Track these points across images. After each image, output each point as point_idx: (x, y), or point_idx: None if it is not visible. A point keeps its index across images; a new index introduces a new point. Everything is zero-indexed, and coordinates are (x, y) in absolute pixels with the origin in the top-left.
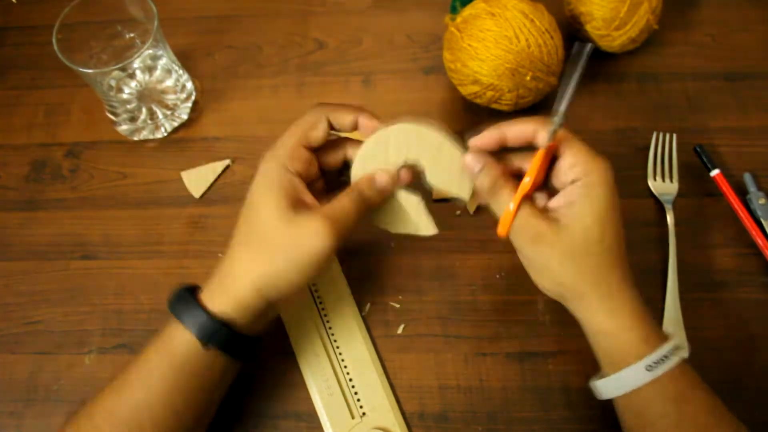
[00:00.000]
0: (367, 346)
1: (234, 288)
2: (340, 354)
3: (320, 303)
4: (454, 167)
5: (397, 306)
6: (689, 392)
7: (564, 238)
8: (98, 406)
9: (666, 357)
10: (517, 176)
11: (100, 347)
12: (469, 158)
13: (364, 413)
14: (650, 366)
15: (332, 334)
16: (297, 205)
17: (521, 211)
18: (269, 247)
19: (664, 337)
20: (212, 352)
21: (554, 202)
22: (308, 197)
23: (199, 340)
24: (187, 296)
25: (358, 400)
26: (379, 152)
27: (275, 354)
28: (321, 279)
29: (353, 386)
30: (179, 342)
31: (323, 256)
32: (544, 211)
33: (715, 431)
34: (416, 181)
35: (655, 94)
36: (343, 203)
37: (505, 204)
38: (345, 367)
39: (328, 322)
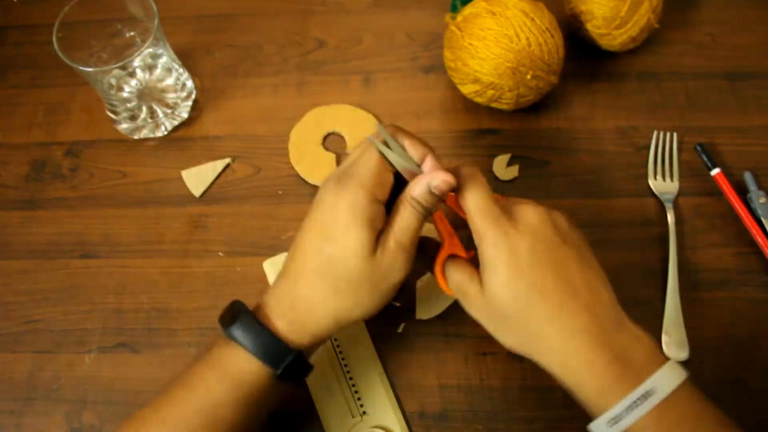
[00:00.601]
0: (368, 346)
1: (315, 324)
2: (341, 353)
3: None
4: None
5: (398, 305)
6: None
7: (486, 302)
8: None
9: (631, 407)
10: None
11: (100, 346)
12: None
13: (364, 412)
14: (611, 421)
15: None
16: (378, 235)
17: (453, 275)
18: (355, 286)
19: (636, 381)
20: (282, 383)
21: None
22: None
23: (279, 376)
24: (263, 330)
25: (359, 399)
26: None
27: None
28: None
29: (353, 385)
30: (248, 372)
31: (401, 284)
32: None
33: None
34: None
35: (656, 93)
36: (409, 224)
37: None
38: (345, 366)
39: None
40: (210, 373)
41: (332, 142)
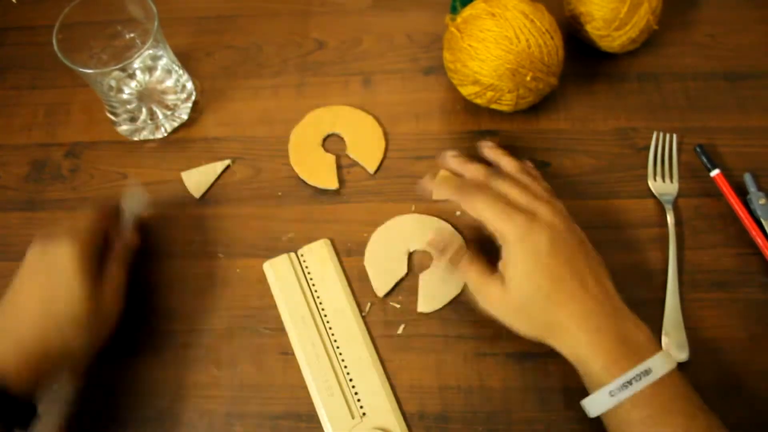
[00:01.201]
0: (367, 347)
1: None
2: (341, 354)
3: (320, 303)
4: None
5: (398, 306)
6: (664, 413)
7: (507, 296)
8: None
9: (630, 382)
10: None
11: None
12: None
13: (364, 413)
14: (612, 392)
15: (332, 335)
16: (93, 286)
17: (471, 274)
18: (84, 333)
19: (637, 360)
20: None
21: (500, 264)
22: None
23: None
24: None
25: (359, 400)
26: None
27: (275, 354)
28: (320, 280)
29: (353, 386)
30: None
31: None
32: (495, 270)
33: None
34: None
35: (656, 94)
36: (117, 273)
37: (463, 272)
38: (345, 367)
39: (328, 322)
40: None
41: (332, 143)
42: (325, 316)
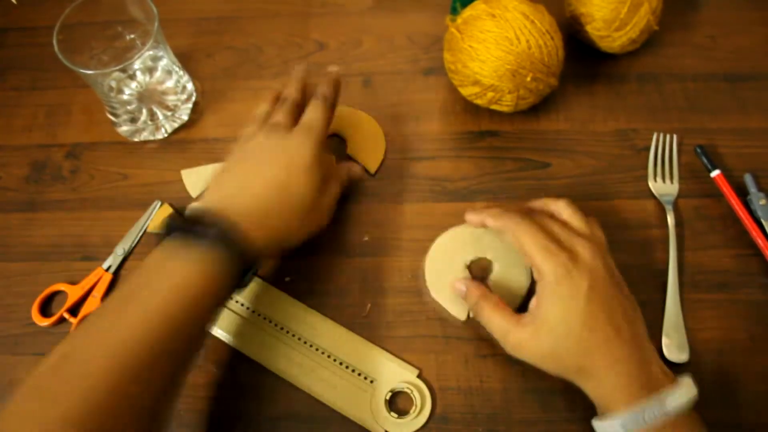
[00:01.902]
0: (334, 326)
1: (268, 242)
2: (317, 349)
3: (269, 321)
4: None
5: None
6: None
7: (537, 340)
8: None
9: (643, 415)
10: None
11: None
12: (456, 283)
13: (371, 381)
14: (625, 424)
15: (299, 339)
16: (321, 183)
17: (496, 321)
18: (299, 220)
19: (653, 393)
20: (221, 281)
21: (532, 303)
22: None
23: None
24: (226, 231)
25: (359, 374)
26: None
27: None
28: (260, 303)
29: (347, 366)
30: (198, 277)
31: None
32: (519, 317)
33: None
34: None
35: (656, 95)
36: (335, 186)
37: (487, 319)
38: (329, 356)
39: (282, 329)
40: (156, 279)
41: (332, 143)
42: (281, 328)
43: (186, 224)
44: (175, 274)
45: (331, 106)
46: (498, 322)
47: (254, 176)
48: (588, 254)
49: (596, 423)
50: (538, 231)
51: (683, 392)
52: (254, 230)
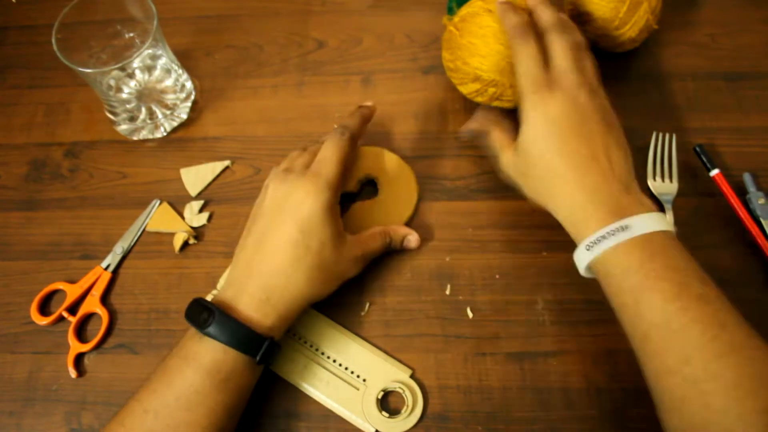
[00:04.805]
0: (330, 325)
1: (284, 306)
2: (311, 346)
3: None
4: None
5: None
6: (649, 275)
7: (517, 158)
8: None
9: (604, 236)
10: None
11: (99, 347)
12: (466, 126)
13: (364, 380)
14: (589, 245)
15: (294, 335)
16: (340, 230)
17: (494, 137)
18: (325, 274)
19: (620, 217)
20: (254, 366)
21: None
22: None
23: (257, 360)
24: (239, 327)
25: (352, 372)
26: None
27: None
28: None
29: (340, 364)
30: (223, 362)
31: (351, 278)
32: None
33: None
34: None
35: (655, 94)
36: (375, 243)
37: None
38: (323, 354)
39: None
40: (185, 366)
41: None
42: None
43: (192, 314)
44: (197, 359)
45: (350, 139)
46: (494, 139)
47: (265, 242)
48: (572, 84)
49: (573, 257)
50: (536, 56)
51: (654, 220)
52: (260, 310)
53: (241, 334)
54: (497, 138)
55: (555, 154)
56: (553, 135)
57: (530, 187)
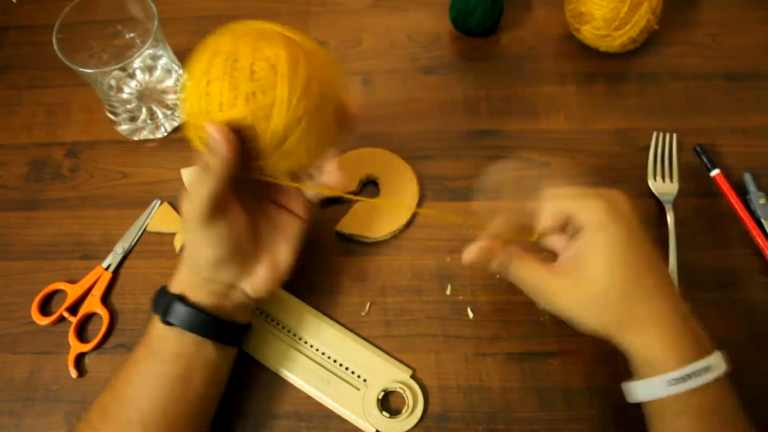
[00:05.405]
0: (330, 324)
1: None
2: (311, 346)
3: (267, 317)
4: None
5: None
6: (711, 411)
7: (577, 289)
8: (94, 409)
9: (690, 375)
10: None
11: (99, 347)
12: (465, 254)
13: (364, 380)
14: (672, 381)
15: (294, 335)
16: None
17: (528, 270)
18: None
19: (700, 355)
20: (204, 345)
21: (565, 251)
22: None
23: (224, 342)
24: (199, 313)
25: (353, 372)
26: None
27: None
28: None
29: (341, 364)
30: (189, 345)
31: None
32: (552, 267)
33: None
34: None
35: (656, 94)
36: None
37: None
38: (323, 354)
39: (283, 327)
40: (152, 355)
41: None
42: (277, 324)
43: (155, 303)
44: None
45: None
46: (529, 275)
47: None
48: (624, 204)
49: (635, 383)
50: (568, 186)
51: (722, 359)
52: (213, 299)
53: (199, 321)
54: (530, 271)
55: (630, 279)
56: (625, 261)
57: (594, 318)
